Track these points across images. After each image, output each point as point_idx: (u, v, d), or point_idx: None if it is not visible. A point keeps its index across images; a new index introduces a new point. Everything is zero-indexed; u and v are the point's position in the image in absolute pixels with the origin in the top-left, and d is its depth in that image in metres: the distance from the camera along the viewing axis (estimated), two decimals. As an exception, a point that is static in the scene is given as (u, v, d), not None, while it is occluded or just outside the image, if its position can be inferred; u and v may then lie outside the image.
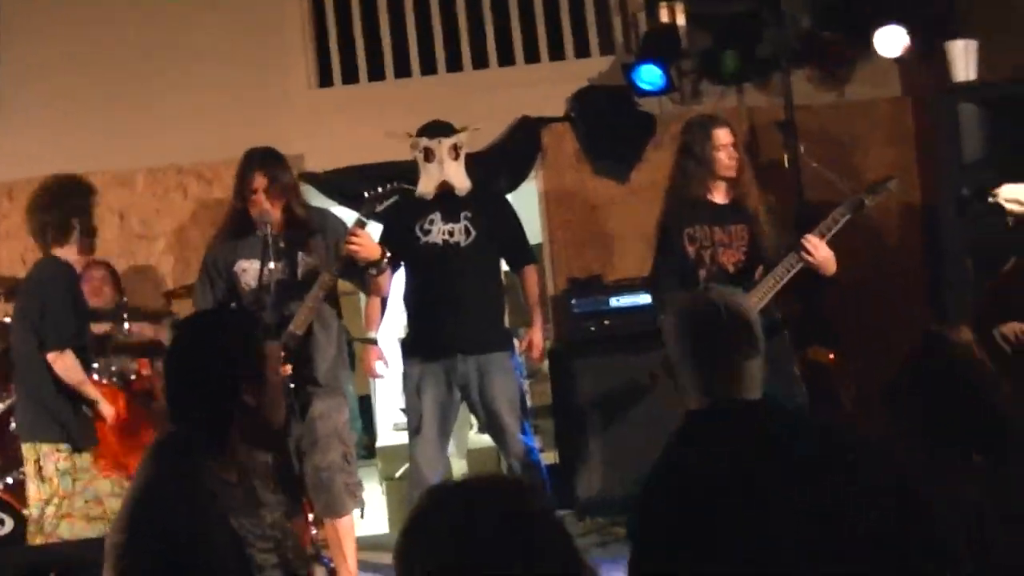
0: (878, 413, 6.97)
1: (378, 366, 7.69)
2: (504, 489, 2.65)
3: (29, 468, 6.73)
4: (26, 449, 6.76)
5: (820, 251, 6.53)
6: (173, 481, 3.46)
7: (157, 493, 3.45)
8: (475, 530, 2.50)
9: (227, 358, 3.62)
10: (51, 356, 6.60)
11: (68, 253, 6.76)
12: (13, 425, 7.26)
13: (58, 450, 6.68)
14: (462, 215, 7.53)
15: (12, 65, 9.22)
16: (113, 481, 6.76)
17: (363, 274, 7.01)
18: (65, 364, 6.62)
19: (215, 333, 3.74)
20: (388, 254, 6.91)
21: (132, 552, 3.36)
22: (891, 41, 8.63)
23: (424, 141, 7.52)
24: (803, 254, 6.54)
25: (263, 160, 7.03)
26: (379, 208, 6.97)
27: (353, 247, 6.74)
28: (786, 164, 8.50)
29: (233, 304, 7.10)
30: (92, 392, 6.73)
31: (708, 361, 3.67)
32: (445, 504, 2.59)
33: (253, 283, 6.96)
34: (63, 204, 6.77)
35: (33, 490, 6.69)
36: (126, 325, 8.12)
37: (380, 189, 6.89)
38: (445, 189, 7.51)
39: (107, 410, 6.77)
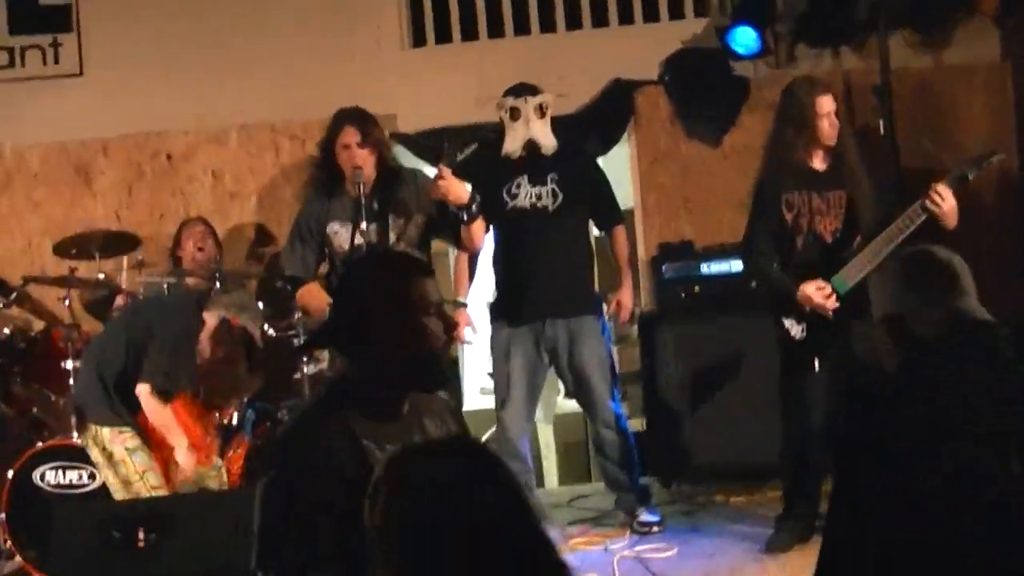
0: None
1: (467, 332, 7.68)
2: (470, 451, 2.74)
3: (96, 454, 6.94)
4: (91, 433, 6.97)
5: (948, 200, 6.47)
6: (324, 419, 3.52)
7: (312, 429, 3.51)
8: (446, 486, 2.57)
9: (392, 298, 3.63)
10: (140, 389, 6.78)
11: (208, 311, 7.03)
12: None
13: (121, 432, 6.86)
14: (549, 177, 7.53)
15: (105, 23, 9.25)
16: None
17: (454, 224, 6.93)
18: (149, 403, 6.80)
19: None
20: (478, 197, 6.84)
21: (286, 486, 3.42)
22: None
23: (510, 100, 7.56)
24: (930, 203, 6.48)
25: (353, 116, 7.07)
26: (460, 157, 7.00)
27: (442, 188, 6.68)
28: (882, 131, 8.37)
29: (326, 266, 7.20)
30: (174, 438, 6.91)
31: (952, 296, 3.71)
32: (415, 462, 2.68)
33: (346, 245, 6.97)
34: None
35: (109, 477, 6.89)
36: (217, 284, 8.06)
37: (461, 145, 7.09)
38: (531, 148, 7.53)
39: (184, 459, 6.92)
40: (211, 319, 7.12)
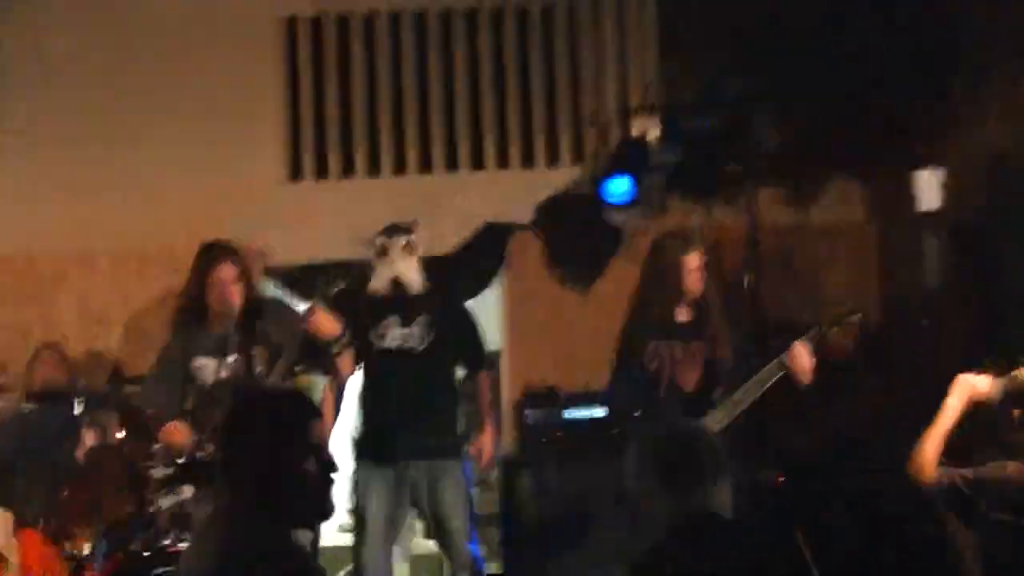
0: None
1: None
2: None
3: None
4: None
5: (803, 359, 6.67)
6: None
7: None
8: None
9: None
10: None
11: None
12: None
13: None
14: (419, 319, 7.56)
15: None
16: None
17: (324, 356, 7.07)
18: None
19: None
20: (346, 332, 7.01)
21: None
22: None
23: (379, 239, 7.59)
24: (787, 361, 6.68)
25: (230, 251, 7.11)
26: (331, 292, 7.18)
27: (312, 325, 6.87)
28: (746, 284, 8.41)
29: (189, 400, 7.18)
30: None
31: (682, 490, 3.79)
32: None
33: (210, 379, 7.05)
34: None
35: None
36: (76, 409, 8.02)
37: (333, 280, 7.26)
38: (397, 287, 7.57)
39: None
40: (89, 437, 7.09)
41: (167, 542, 7.39)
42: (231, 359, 6.98)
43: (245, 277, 7.11)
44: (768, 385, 6.70)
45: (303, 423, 3.68)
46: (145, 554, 7.42)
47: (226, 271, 6.99)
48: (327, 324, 6.97)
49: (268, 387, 6.65)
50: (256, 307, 7.16)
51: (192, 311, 7.17)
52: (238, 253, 7.13)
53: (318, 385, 8.33)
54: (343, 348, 7.10)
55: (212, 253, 7.10)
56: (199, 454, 6.85)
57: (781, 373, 6.69)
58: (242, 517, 3.58)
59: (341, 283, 7.31)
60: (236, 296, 6.99)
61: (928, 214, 8.44)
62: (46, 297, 8.88)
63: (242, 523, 3.58)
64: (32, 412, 7.88)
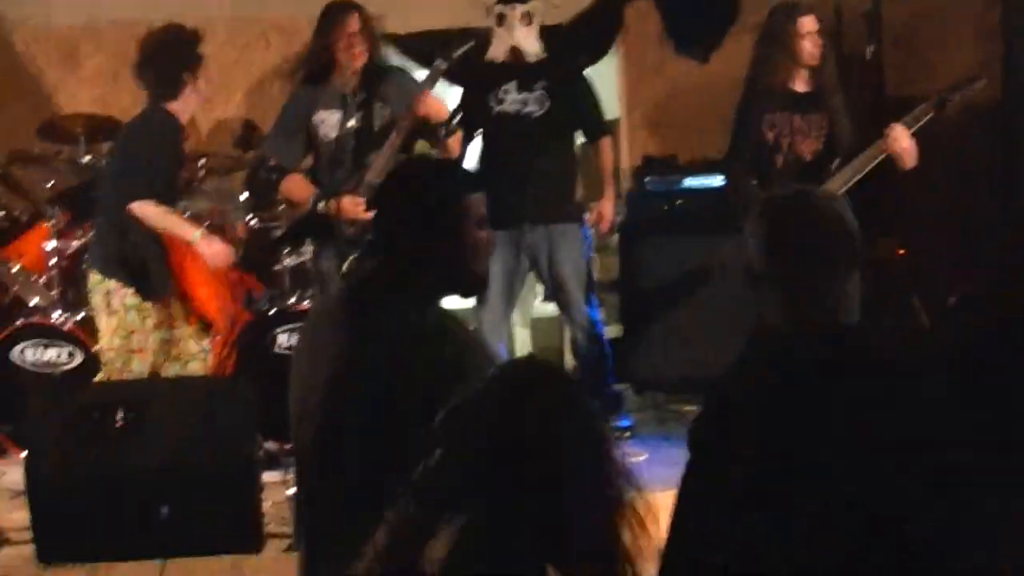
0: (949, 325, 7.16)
1: None
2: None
3: (97, 300, 6.84)
4: (95, 282, 6.86)
5: (902, 141, 6.64)
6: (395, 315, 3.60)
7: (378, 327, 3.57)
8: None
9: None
10: (136, 205, 6.65)
11: (177, 107, 6.80)
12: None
13: (125, 288, 6.79)
14: (537, 85, 7.59)
15: None
16: (195, 328, 6.96)
17: (433, 137, 7.22)
18: (148, 212, 6.68)
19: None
20: (456, 116, 7.17)
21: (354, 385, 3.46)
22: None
23: (498, 7, 7.62)
24: (888, 143, 6.66)
25: (356, 6, 7.22)
26: (454, 55, 7.16)
27: (422, 107, 6.98)
28: (868, 56, 8.47)
29: (310, 154, 7.35)
30: (187, 233, 6.77)
31: (801, 280, 3.25)
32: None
33: (332, 133, 7.19)
34: (175, 56, 6.77)
35: (103, 322, 6.81)
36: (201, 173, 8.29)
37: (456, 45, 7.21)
38: (515, 55, 7.61)
39: (207, 248, 6.76)
40: None
41: (291, 301, 7.74)
42: (354, 114, 7.12)
43: (369, 33, 7.19)
44: (870, 167, 6.77)
45: (463, 193, 3.72)
46: (270, 313, 7.74)
47: (352, 23, 7.09)
48: (436, 107, 7.10)
49: (429, 158, 6.77)
50: (378, 67, 7.29)
51: (317, 65, 7.30)
52: (363, 9, 7.21)
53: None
54: (450, 133, 7.20)
55: (339, 7, 7.19)
56: (319, 207, 6.99)
57: (883, 156, 6.73)
58: (396, 286, 3.64)
59: (469, 43, 7.35)
60: (361, 50, 7.10)
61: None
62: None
63: (395, 292, 3.64)
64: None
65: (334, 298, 4.37)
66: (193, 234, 6.76)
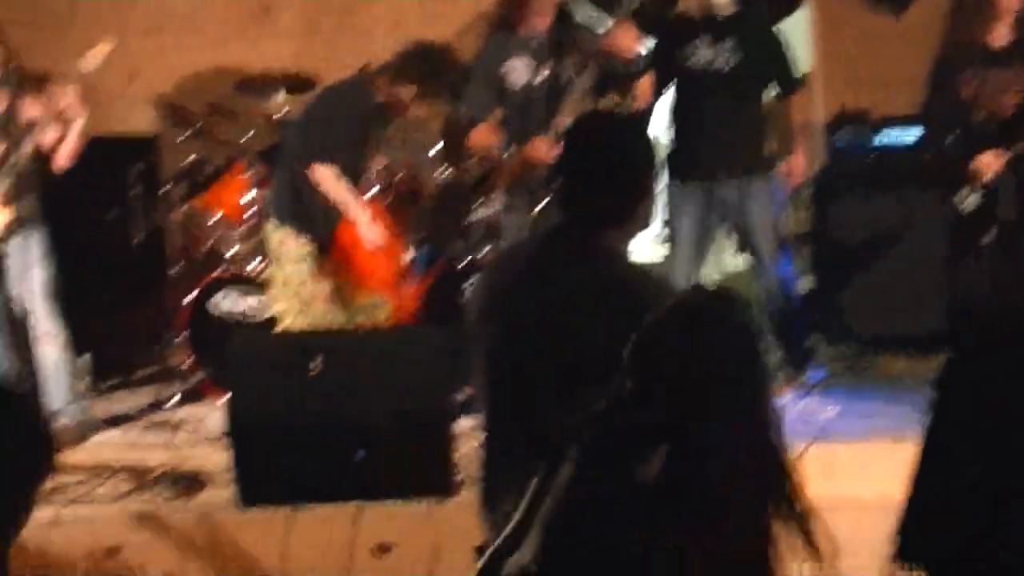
0: None
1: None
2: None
3: (273, 246, 7.23)
4: (271, 228, 7.24)
5: None
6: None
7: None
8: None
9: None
10: (317, 168, 7.03)
11: (383, 86, 7.16)
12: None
13: (301, 236, 7.14)
14: (728, 38, 7.57)
15: None
16: (341, 285, 7.31)
17: (624, 80, 7.46)
18: (325, 177, 7.03)
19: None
20: (646, 56, 7.31)
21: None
22: None
23: None
24: None
25: None
26: (639, 7, 7.29)
27: (613, 42, 7.20)
28: None
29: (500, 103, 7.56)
30: (352, 210, 7.13)
31: None
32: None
33: (522, 80, 7.40)
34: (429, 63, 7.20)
35: (277, 269, 7.25)
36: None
37: None
38: (706, 8, 7.59)
39: (367, 232, 7.15)
40: None
41: (480, 255, 7.80)
42: (543, 62, 7.28)
43: None
44: None
45: (645, 143, 3.95)
46: (460, 265, 7.85)
47: None
48: (628, 41, 7.18)
49: (612, 113, 6.94)
50: (566, 15, 7.41)
51: (509, 12, 7.55)
52: None
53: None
54: (639, 74, 7.29)
55: None
56: (506, 155, 7.21)
57: None
58: (578, 229, 3.79)
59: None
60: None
61: None
62: (362, 26, 8.99)
63: (579, 233, 3.79)
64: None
65: (525, 246, 4.57)
66: (359, 215, 7.13)
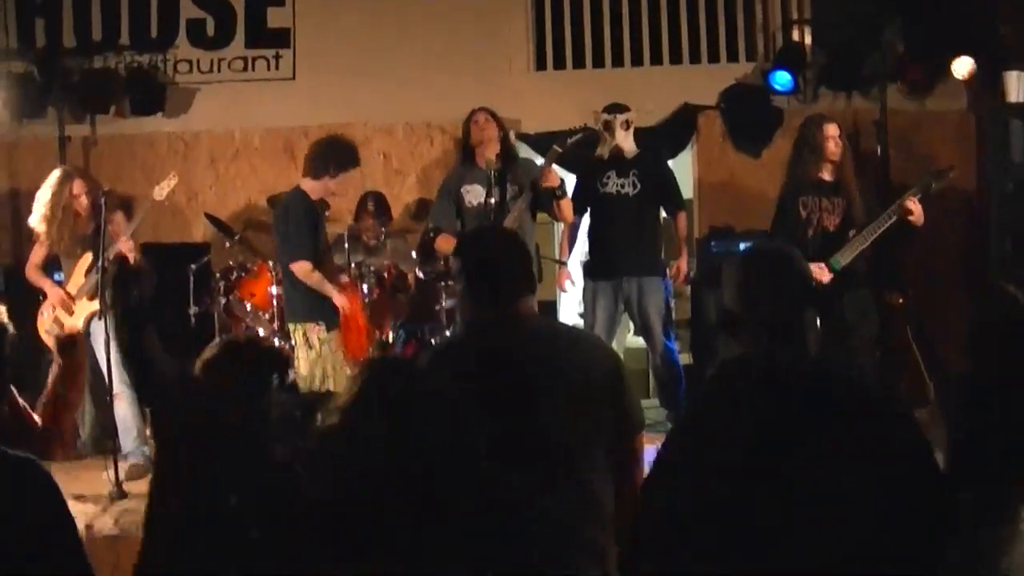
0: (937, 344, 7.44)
1: (567, 284, 8.44)
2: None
3: (298, 339, 6.98)
4: (293, 329, 7.06)
5: (917, 208, 6.92)
6: None
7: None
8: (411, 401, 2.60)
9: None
10: (293, 265, 6.91)
11: (309, 186, 6.96)
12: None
13: (317, 325, 6.93)
14: (631, 172, 7.97)
15: (312, 43, 9.79)
16: (347, 361, 7.03)
17: (549, 201, 7.56)
18: (299, 270, 6.88)
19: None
20: (564, 184, 7.51)
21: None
22: (961, 67, 8.75)
23: (605, 115, 8.07)
24: (904, 208, 6.89)
25: (489, 110, 7.83)
26: (570, 141, 7.56)
27: (544, 177, 7.40)
28: (879, 152, 8.83)
29: (459, 219, 7.78)
30: (327, 290, 6.96)
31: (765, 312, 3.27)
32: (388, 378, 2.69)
33: (476, 201, 7.63)
34: (327, 152, 6.99)
35: (303, 356, 6.90)
36: (383, 238, 8.76)
37: (573, 132, 7.63)
38: (618, 152, 7.97)
39: (339, 301, 6.98)
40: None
41: (448, 333, 8.03)
42: (492, 188, 7.46)
43: (501, 128, 7.76)
44: (888, 224, 6.91)
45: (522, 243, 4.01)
46: (432, 341, 8.11)
47: (481, 115, 7.75)
48: (552, 177, 7.44)
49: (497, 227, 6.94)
50: (510, 155, 7.77)
51: (466, 150, 7.85)
52: (495, 113, 7.81)
53: (557, 227, 8.89)
54: (561, 196, 7.49)
55: (477, 111, 7.82)
56: None
57: (896, 217, 6.90)
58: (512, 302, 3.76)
59: (579, 133, 7.66)
60: (493, 137, 7.64)
61: (1015, 105, 8.44)
62: (361, 155, 8.17)
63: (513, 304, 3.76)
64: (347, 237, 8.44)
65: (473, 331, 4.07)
66: (332, 292, 6.98)
